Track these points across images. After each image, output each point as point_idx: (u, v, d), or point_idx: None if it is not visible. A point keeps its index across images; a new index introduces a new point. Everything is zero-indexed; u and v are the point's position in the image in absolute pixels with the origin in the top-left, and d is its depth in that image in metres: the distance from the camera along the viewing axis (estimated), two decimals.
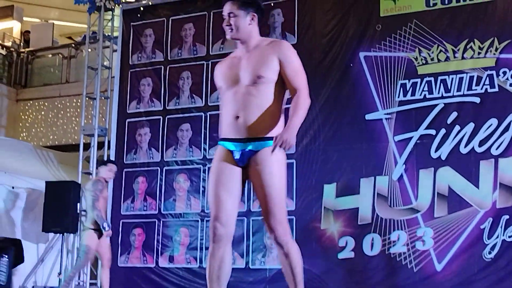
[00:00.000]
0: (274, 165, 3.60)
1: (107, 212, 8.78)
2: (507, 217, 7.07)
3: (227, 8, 3.80)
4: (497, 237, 7.06)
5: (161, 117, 9.19)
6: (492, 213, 7.14)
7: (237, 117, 3.61)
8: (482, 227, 7.15)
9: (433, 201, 7.42)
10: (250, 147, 3.60)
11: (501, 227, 7.07)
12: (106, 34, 10.26)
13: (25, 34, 14.77)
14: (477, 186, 7.24)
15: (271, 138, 3.59)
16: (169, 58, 9.34)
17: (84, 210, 9.20)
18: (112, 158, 9.28)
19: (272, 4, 8.67)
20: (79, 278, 9.19)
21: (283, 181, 3.67)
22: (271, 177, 3.59)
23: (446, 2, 7.72)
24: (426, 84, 7.63)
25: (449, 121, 7.47)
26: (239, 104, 3.62)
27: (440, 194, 7.40)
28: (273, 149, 3.55)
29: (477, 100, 7.39)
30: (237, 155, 3.64)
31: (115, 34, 10.14)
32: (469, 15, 7.60)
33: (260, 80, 3.61)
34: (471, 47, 7.49)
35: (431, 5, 7.79)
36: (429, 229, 7.38)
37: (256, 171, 3.60)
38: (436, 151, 7.48)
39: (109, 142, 9.59)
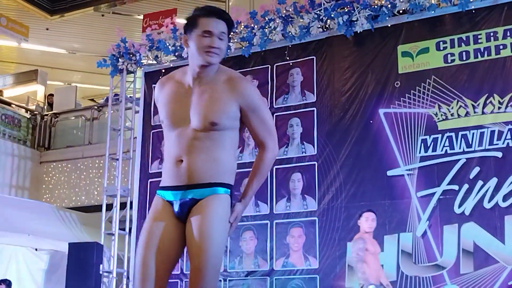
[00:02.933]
0: (218, 218, 2.96)
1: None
2: None
3: (221, 27, 3.03)
4: None
5: None
6: None
7: (180, 161, 2.98)
8: (510, 283, 7.01)
9: (459, 257, 7.31)
10: (191, 195, 2.98)
11: None
12: (128, 96, 10.42)
13: (48, 97, 15.07)
14: (503, 242, 7.14)
15: (219, 184, 2.99)
16: None
17: (107, 271, 9.19)
18: (135, 218, 9.31)
19: (291, 64, 8.80)
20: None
21: (223, 239, 3.00)
22: (212, 230, 2.91)
23: (464, 58, 7.78)
24: (447, 140, 7.63)
25: (471, 176, 7.42)
26: (183, 147, 2.99)
27: (466, 250, 7.30)
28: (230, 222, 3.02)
29: (499, 154, 7.36)
30: (176, 207, 3.01)
31: (137, 95, 10.30)
32: (488, 70, 7.63)
33: (213, 128, 2.98)
34: (491, 102, 7.51)
35: (449, 61, 7.86)
36: (455, 286, 7.25)
37: (194, 219, 2.94)
38: (459, 206, 7.41)
39: (131, 202, 9.63)
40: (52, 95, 14.88)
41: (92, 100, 17.76)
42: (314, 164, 8.33)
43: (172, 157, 3.01)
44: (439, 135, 7.68)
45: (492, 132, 7.43)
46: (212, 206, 2.95)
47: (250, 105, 3.04)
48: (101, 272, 9.05)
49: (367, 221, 6.69)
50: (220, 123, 2.98)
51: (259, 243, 8.37)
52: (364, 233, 6.66)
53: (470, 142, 7.51)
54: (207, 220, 2.92)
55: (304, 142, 8.47)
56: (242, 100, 3.02)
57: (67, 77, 18.35)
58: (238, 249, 8.45)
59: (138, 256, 3.02)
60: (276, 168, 8.50)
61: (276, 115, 8.70)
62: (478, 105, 7.57)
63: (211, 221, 2.93)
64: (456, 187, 7.46)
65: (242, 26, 8.91)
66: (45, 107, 14.65)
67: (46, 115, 13.80)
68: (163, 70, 9.79)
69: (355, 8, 8.17)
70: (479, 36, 7.75)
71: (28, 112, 13.83)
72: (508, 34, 7.60)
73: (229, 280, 8.39)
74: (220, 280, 8.54)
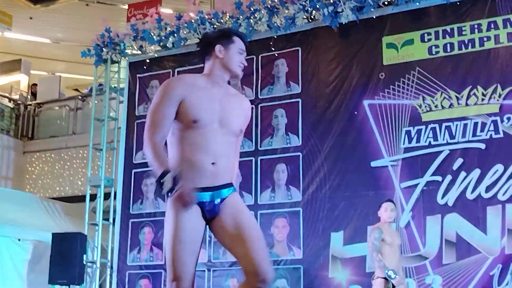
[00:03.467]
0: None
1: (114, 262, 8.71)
2: None
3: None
4: (507, 284, 6.99)
5: None
6: (501, 259, 7.08)
7: (213, 164, 3.25)
8: (491, 273, 7.08)
9: (441, 248, 7.37)
10: (222, 195, 3.29)
11: (511, 273, 7.00)
12: (113, 86, 10.38)
13: (32, 87, 14.93)
14: (485, 232, 7.21)
15: (232, 184, 3.39)
16: None
17: (91, 262, 9.15)
18: (119, 208, 9.29)
19: (276, 54, 8.80)
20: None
21: None
22: (252, 219, 3.33)
23: (449, 50, 7.82)
24: (431, 131, 7.67)
25: (455, 167, 7.47)
26: (216, 151, 3.27)
27: (448, 241, 7.36)
28: None
29: (482, 146, 7.42)
30: (209, 206, 3.27)
31: (122, 85, 10.26)
32: (472, 62, 7.68)
33: (240, 134, 3.41)
34: (474, 93, 7.56)
35: (434, 53, 7.89)
36: (437, 276, 7.31)
37: (236, 213, 3.26)
38: (442, 197, 7.47)
39: (115, 192, 9.61)
40: (35, 84, 14.74)
41: (76, 90, 17.60)
42: (299, 155, 8.34)
43: (203, 159, 3.23)
44: (423, 127, 7.73)
45: (476, 123, 7.48)
46: (242, 201, 3.41)
47: (247, 121, 3.50)
48: (84, 263, 9.02)
49: (386, 212, 6.63)
50: (243, 130, 3.45)
51: None
52: (384, 223, 6.63)
53: (454, 134, 7.56)
54: (248, 211, 3.32)
55: (289, 133, 8.48)
56: (247, 116, 3.49)
57: (51, 66, 18.18)
58: None
59: (175, 257, 3.20)
60: (260, 159, 8.51)
61: (261, 106, 8.70)
62: (462, 96, 7.62)
63: (250, 213, 3.35)
64: (439, 178, 7.51)
65: (228, 17, 8.90)
66: (29, 96, 14.51)
67: (30, 105, 13.67)
68: (148, 60, 9.78)
69: None
70: (463, 28, 7.79)
71: (12, 101, 13.69)
72: (492, 26, 7.64)
73: (213, 270, 8.40)
74: (204, 271, 8.56)
